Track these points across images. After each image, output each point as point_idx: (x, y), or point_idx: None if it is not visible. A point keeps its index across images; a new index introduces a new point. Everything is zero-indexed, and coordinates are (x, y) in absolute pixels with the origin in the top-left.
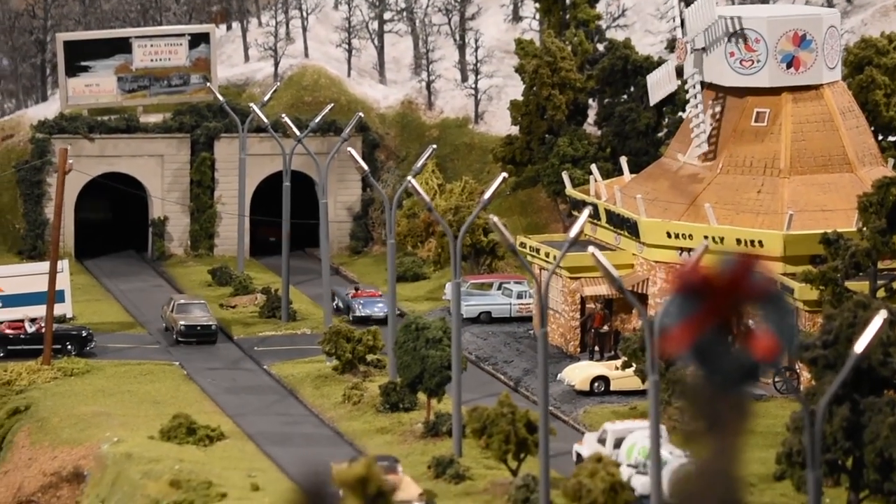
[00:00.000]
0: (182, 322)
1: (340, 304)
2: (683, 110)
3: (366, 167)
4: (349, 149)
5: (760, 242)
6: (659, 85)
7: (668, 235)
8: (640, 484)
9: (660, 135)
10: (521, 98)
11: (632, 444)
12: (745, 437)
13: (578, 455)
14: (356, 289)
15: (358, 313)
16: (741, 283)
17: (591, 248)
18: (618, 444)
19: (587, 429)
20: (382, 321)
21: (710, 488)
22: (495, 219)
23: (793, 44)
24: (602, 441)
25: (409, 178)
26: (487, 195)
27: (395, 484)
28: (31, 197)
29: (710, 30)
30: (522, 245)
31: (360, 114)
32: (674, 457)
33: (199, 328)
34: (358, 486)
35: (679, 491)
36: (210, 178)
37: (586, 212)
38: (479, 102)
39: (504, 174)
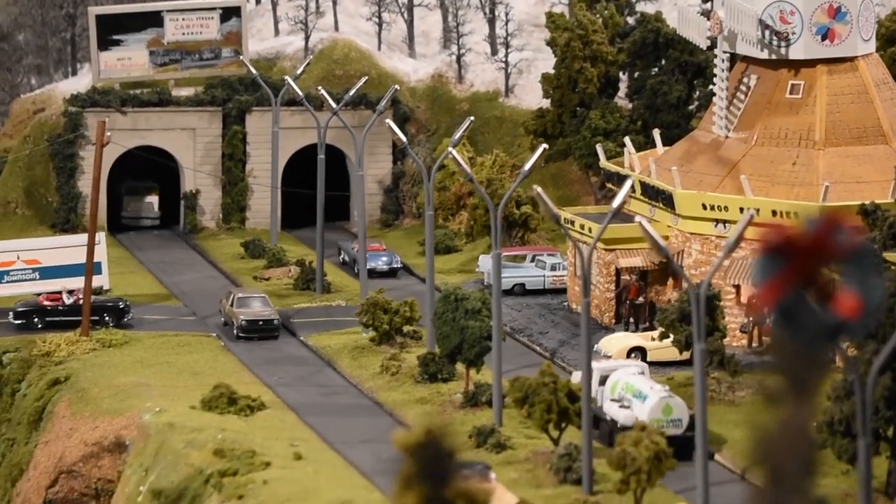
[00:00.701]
0: (243, 317)
1: (346, 258)
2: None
3: (404, 139)
4: (388, 121)
5: (796, 214)
6: (689, 25)
7: (704, 207)
8: (623, 416)
9: (691, 108)
10: (552, 71)
11: (615, 380)
12: (820, 396)
13: None
14: None
15: None
16: (826, 243)
17: (638, 218)
18: (603, 381)
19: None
20: (385, 274)
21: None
22: (539, 189)
23: (828, 16)
24: None
25: (450, 148)
26: (528, 166)
27: (489, 492)
28: (64, 170)
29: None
30: (546, 220)
31: (396, 87)
32: (654, 392)
33: (261, 323)
34: (418, 451)
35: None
36: (242, 152)
37: (628, 182)
38: (510, 76)
39: (544, 145)
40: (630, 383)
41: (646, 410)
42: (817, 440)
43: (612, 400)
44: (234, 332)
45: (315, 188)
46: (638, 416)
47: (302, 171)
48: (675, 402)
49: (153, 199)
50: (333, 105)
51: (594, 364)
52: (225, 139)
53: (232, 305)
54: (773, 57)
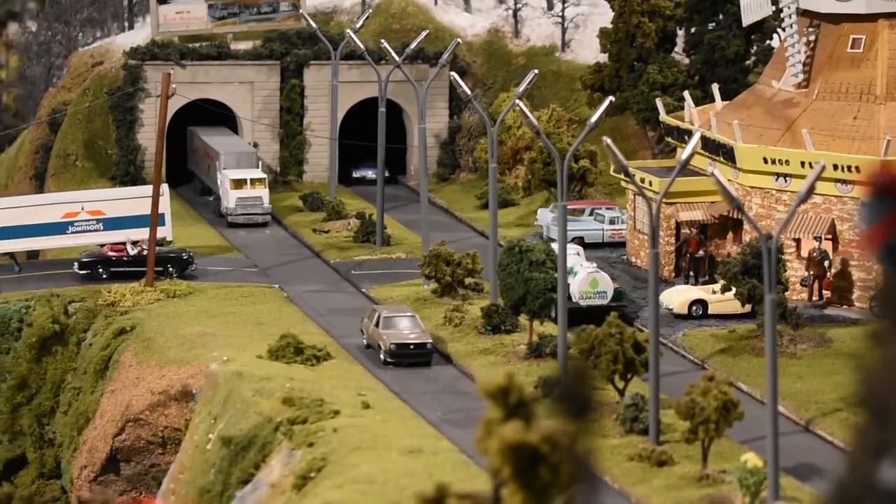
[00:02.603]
0: (392, 341)
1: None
2: (772, 38)
3: (469, 91)
4: (452, 73)
5: (858, 168)
6: (751, 8)
7: (765, 161)
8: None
9: (748, 62)
10: (609, 26)
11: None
12: None
13: None
14: None
15: (354, 175)
16: None
17: (710, 168)
18: None
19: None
20: (372, 182)
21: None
22: (608, 140)
23: None
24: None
25: (517, 99)
26: (594, 119)
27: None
28: (124, 123)
29: None
30: (615, 172)
31: (458, 40)
32: (583, 268)
33: (412, 347)
34: (500, 396)
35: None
36: (300, 105)
37: (697, 135)
38: (566, 30)
39: (610, 98)
40: (576, 260)
41: (576, 283)
42: None
43: None
44: (381, 357)
45: (372, 141)
46: (570, 288)
47: (358, 125)
48: (601, 276)
49: (262, 193)
50: (396, 58)
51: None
52: (283, 93)
53: (378, 326)
54: (835, 11)
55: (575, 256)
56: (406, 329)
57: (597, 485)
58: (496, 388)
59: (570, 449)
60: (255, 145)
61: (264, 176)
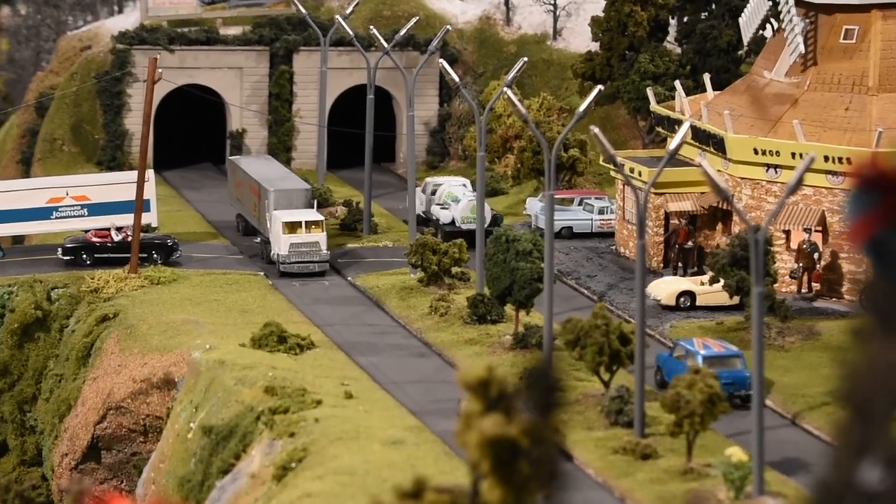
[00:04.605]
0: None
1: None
2: (764, 28)
3: (457, 79)
4: (440, 61)
5: (849, 160)
6: (751, 21)
7: (755, 152)
8: (443, 216)
9: (740, 52)
10: (601, 14)
11: (441, 190)
12: None
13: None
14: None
15: None
16: None
17: (698, 159)
18: (434, 191)
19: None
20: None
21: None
22: (596, 130)
23: None
24: (424, 190)
25: (505, 88)
26: (582, 108)
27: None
28: (111, 108)
29: None
30: (604, 161)
31: (448, 27)
32: (465, 196)
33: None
34: (480, 389)
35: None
36: (289, 91)
37: (686, 125)
38: (558, 18)
39: (599, 87)
40: (450, 191)
41: (458, 210)
42: None
43: (437, 204)
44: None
45: (360, 128)
46: (453, 214)
47: (347, 111)
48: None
49: (319, 238)
50: (385, 45)
51: (428, 179)
52: (272, 79)
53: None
54: (828, 1)
55: (461, 188)
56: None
57: (566, 480)
58: (476, 380)
59: (548, 442)
60: (243, 131)
61: (321, 218)
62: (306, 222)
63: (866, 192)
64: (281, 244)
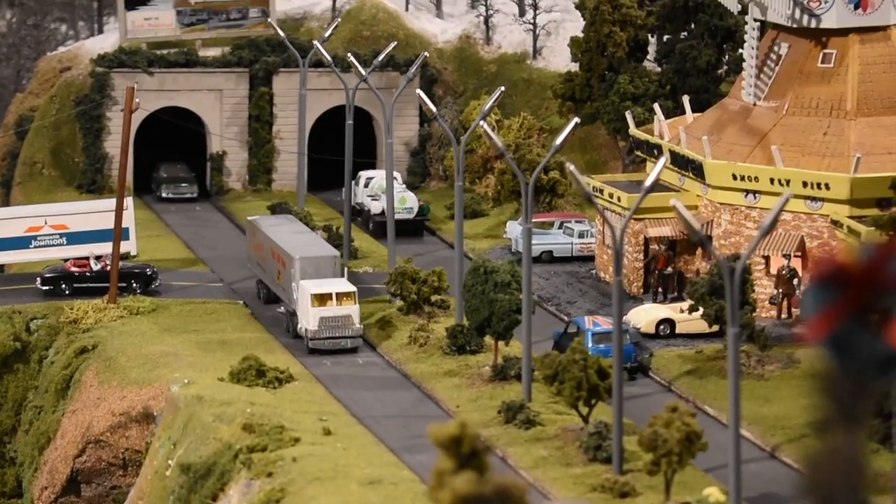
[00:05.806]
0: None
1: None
2: (743, 47)
3: (434, 108)
4: (418, 91)
5: (827, 185)
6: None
7: (734, 177)
8: (374, 207)
9: (720, 72)
10: (580, 34)
11: (373, 182)
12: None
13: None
14: None
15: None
16: (880, 273)
17: (673, 201)
18: (367, 183)
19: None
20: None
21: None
22: (572, 167)
23: None
24: (357, 183)
25: (481, 122)
26: (559, 141)
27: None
28: (91, 131)
29: None
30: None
31: (426, 53)
32: (394, 190)
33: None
34: (452, 446)
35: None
36: (268, 113)
37: (662, 160)
38: (538, 38)
39: (576, 120)
40: (381, 184)
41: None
42: (868, 470)
43: (369, 196)
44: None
45: (341, 150)
46: (383, 205)
47: (329, 131)
48: (409, 195)
49: (352, 310)
50: (363, 72)
51: (362, 173)
52: (252, 101)
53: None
54: (806, 25)
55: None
56: None
57: None
58: (448, 437)
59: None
60: (223, 154)
61: (353, 289)
62: (337, 293)
63: (825, 287)
64: (310, 318)
